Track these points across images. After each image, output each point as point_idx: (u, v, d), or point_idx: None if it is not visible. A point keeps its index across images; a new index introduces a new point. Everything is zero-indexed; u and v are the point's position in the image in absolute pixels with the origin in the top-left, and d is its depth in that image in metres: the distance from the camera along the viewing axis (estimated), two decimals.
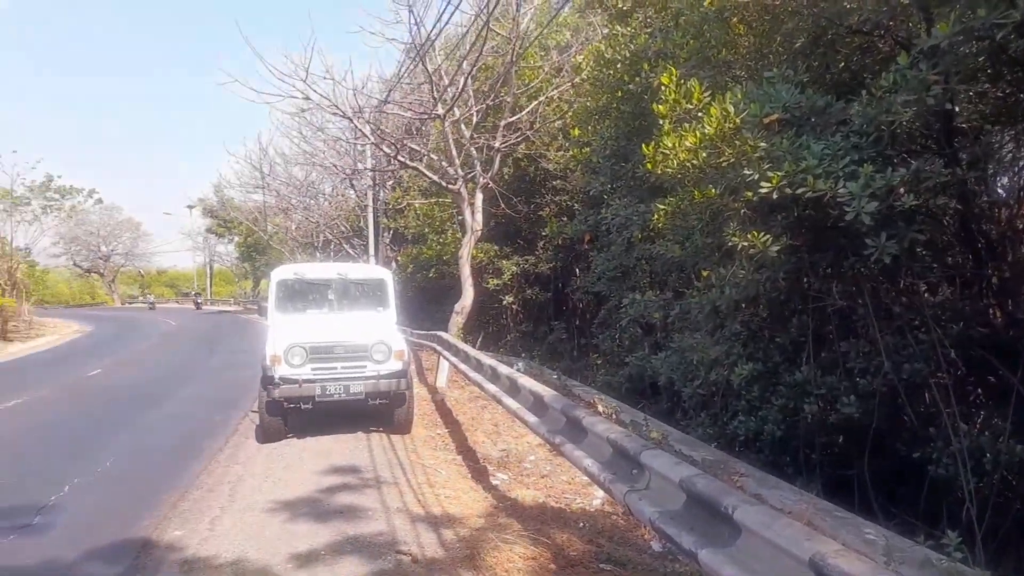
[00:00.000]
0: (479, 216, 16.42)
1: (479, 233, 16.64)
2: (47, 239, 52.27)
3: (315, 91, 14.77)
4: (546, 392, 5.82)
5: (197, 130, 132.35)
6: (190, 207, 59.44)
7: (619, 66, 10.68)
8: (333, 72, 15.10)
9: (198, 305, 52.76)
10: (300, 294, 9.61)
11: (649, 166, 7.01)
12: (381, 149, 18.44)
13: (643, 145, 7.28)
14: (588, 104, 12.64)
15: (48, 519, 5.57)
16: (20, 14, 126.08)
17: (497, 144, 15.89)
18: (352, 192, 28.93)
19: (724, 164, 5.51)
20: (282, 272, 9.57)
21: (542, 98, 15.74)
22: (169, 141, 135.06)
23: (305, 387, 7.99)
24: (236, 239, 55.11)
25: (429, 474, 6.83)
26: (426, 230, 21.95)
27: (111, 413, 10.85)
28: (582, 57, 13.77)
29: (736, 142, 5.34)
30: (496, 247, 18.97)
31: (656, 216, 8.30)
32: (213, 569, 4.44)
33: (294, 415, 8.35)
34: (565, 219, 16.31)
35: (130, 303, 68.85)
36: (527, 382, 6.38)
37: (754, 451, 6.59)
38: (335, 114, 16.76)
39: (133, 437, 8.91)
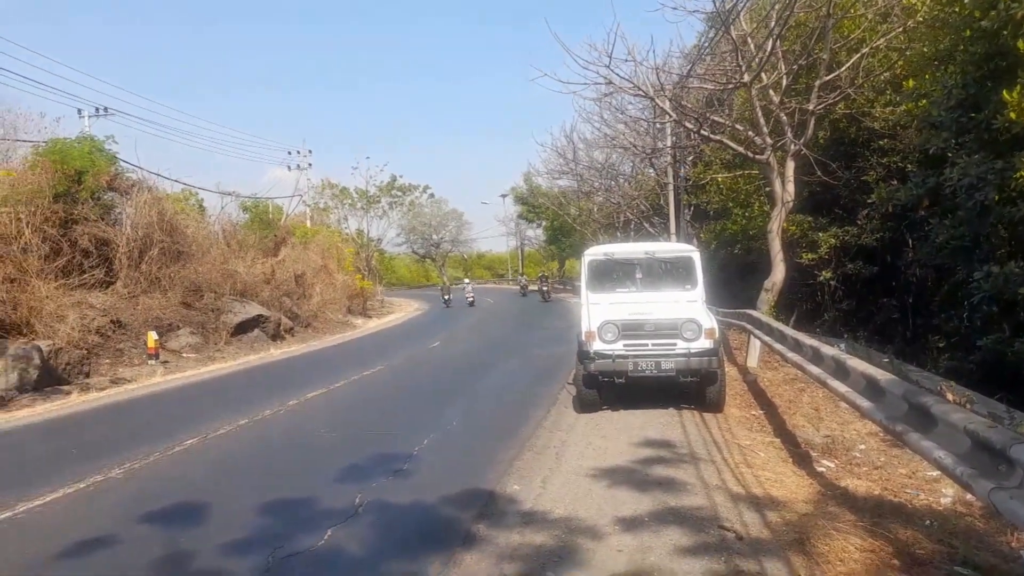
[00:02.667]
0: (790, 186, 15.36)
1: (790, 204, 15.57)
2: (392, 231, 61.18)
3: (617, 74, 15.11)
4: (882, 376, 5.30)
5: (509, 123, 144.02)
6: (503, 196, 65.16)
7: (967, 1, 9.15)
8: (634, 53, 15.28)
9: (525, 291, 44.23)
10: (610, 273, 9.98)
11: (1012, 115, 5.98)
12: (682, 125, 18.21)
13: (1003, 91, 6.21)
14: (925, 50, 11.09)
15: (413, 466, 6.60)
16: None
17: (811, 106, 14.65)
18: (652, 171, 29.06)
19: None
20: (593, 253, 9.97)
21: (865, 50, 14.07)
22: (485, 135, 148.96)
23: (618, 362, 8.32)
24: (543, 223, 58.87)
25: (746, 454, 6.68)
26: (730, 204, 21.16)
27: (451, 380, 12.51)
28: None
29: None
30: (810, 218, 17.56)
31: (1020, 173, 7.03)
32: (548, 523, 4.89)
33: (608, 388, 8.75)
34: (895, 183, 14.47)
35: (456, 285, 77.86)
36: (857, 364, 5.87)
37: None
38: (636, 95, 16.96)
39: (470, 401, 10.16)
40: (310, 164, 38.26)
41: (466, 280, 43.84)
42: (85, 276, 16.61)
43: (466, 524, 4.91)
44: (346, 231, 44.51)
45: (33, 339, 12.91)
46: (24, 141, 18.73)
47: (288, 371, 14.99)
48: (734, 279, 22.23)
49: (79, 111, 27.89)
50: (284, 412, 9.59)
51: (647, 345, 8.40)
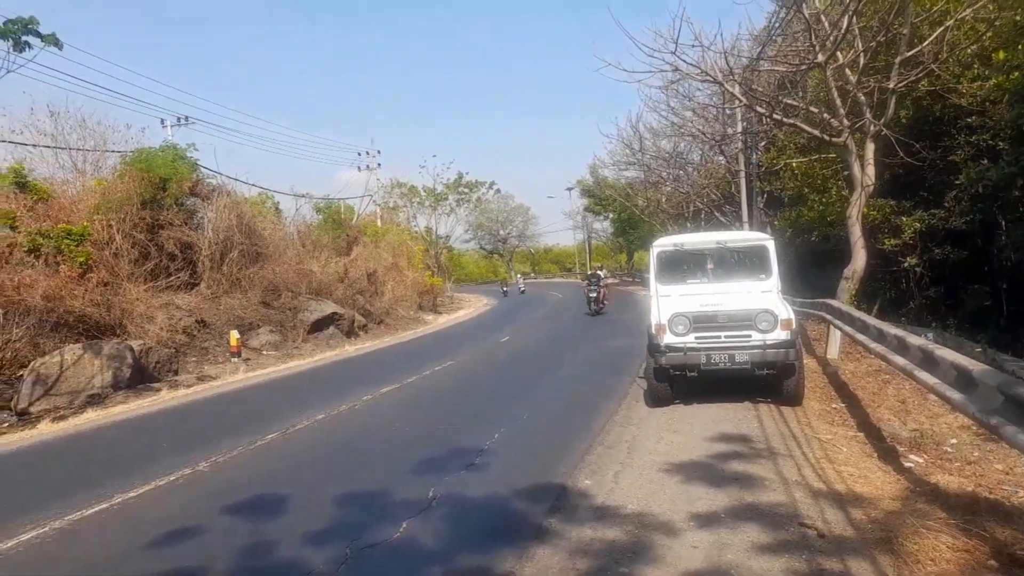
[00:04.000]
0: (870, 169, 14.67)
1: (871, 188, 14.87)
2: (460, 227, 61.88)
3: (684, 60, 14.76)
4: (974, 366, 5.00)
5: (574, 116, 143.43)
6: (569, 189, 64.83)
7: None
8: (702, 38, 14.88)
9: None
10: (680, 264, 9.77)
11: None
12: (753, 109, 17.66)
13: None
14: (1017, 19, 10.39)
15: (485, 460, 6.64)
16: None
17: (891, 85, 13.93)
18: (722, 158, 28.31)
19: None
20: (661, 244, 9.72)
21: (950, 22, 13.27)
22: (550, 129, 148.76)
23: (690, 355, 8.15)
24: (610, 215, 58.31)
25: (827, 449, 6.43)
26: (805, 190, 20.39)
27: (520, 373, 12.54)
28: None
29: None
30: (892, 202, 16.71)
31: None
32: (621, 518, 4.84)
33: (680, 381, 8.59)
34: (985, 162, 13.62)
35: (515, 280, 78.12)
36: (947, 354, 5.56)
37: None
38: (704, 81, 16.53)
39: (540, 395, 10.16)
40: (379, 164, 39.18)
41: (519, 275, 60.11)
42: (171, 278, 17.49)
43: (538, 518, 4.91)
44: (415, 229, 45.45)
45: (125, 339, 13.66)
46: (112, 151, 19.87)
47: (362, 367, 15.35)
48: (811, 268, 21.48)
49: (162, 121, 29.32)
50: (360, 407, 9.82)
51: (720, 337, 8.19)
